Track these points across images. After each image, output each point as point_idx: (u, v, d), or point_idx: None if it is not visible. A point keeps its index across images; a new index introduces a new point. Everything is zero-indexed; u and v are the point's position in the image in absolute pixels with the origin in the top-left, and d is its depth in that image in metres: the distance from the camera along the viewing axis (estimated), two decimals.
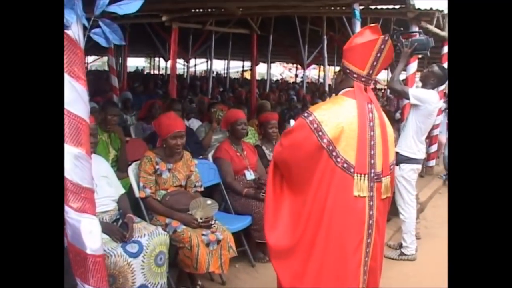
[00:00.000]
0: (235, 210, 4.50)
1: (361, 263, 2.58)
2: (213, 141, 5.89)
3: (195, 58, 23.36)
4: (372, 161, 2.56)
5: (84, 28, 2.21)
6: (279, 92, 13.48)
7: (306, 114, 2.57)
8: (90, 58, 29.62)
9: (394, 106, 8.85)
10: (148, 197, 3.73)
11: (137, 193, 3.75)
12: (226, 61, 21.72)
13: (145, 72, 28.44)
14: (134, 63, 34.13)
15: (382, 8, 6.36)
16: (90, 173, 2.22)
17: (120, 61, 17.76)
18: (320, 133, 2.48)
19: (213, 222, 3.72)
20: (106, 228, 3.23)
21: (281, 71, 32.78)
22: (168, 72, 23.24)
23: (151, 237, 3.33)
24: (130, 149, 5.10)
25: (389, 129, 2.72)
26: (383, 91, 18.16)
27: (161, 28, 12.48)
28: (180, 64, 21.12)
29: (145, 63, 35.36)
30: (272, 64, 25.62)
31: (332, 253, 2.55)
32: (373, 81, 2.73)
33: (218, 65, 28.23)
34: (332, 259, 2.55)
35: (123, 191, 3.65)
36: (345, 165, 2.50)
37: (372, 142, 2.57)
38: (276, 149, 2.75)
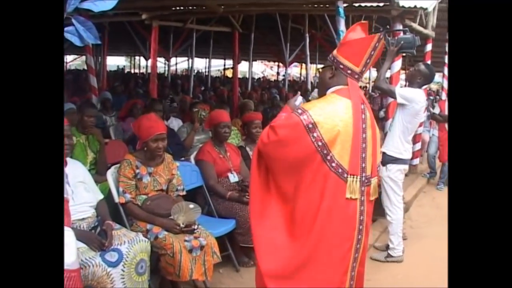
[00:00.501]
0: (219, 214, 4.38)
1: (349, 269, 2.50)
2: (195, 141, 5.75)
3: (176, 56, 23.19)
4: (363, 165, 2.47)
5: None
6: (261, 90, 13.35)
7: (299, 111, 2.42)
8: (69, 57, 29.26)
9: (378, 104, 8.82)
10: (128, 202, 3.58)
11: (116, 199, 3.60)
12: (208, 60, 21.54)
13: (125, 71, 28.15)
14: (115, 62, 33.81)
15: (366, 6, 6.27)
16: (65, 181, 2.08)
17: (99, 60, 17.50)
18: (315, 135, 2.35)
19: (196, 227, 3.59)
20: (84, 236, 3.08)
21: (262, 69, 32.71)
22: (149, 71, 23.08)
23: (132, 244, 3.19)
24: (110, 151, 4.94)
25: (377, 129, 2.65)
26: (365, 89, 18.16)
27: (141, 26, 12.30)
28: (161, 62, 20.96)
29: (126, 62, 34.99)
30: (253, 62, 25.57)
31: (321, 260, 2.46)
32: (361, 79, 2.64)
33: (200, 64, 28.07)
34: (320, 266, 2.46)
35: (101, 196, 3.50)
36: (340, 170, 2.39)
37: (364, 145, 2.47)
38: (262, 139, 2.55)
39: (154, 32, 7.69)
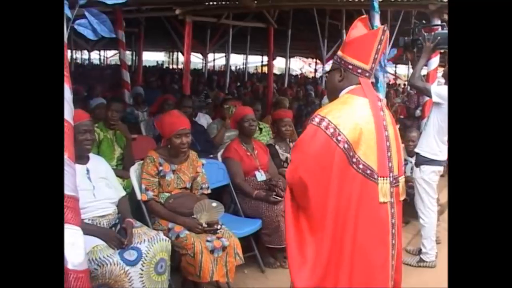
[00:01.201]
0: (245, 213, 4.28)
1: (389, 278, 2.34)
2: (225, 138, 5.66)
3: (213, 52, 23.22)
4: (390, 164, 2.31)
5: (68, 19, 2.00)
6: (297, 87, 13.19)
7: (317, 120, 2.23)
8: (109, 53, 29.78)
9: (415, 102, 8.55)
10: (150, 200, 3.52)
11: (139, 196, 3.55)
12: (245, 56, 21.46)
13: (164, 67, 28.41)
14: (154, 57, 34.23)
15: (402, 0, 6.05)
16: (73, 179, 2.01)
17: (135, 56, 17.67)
18: (338, 138, 2.17)
19: (219, 226, 3.50)
20: (103, 233, 3.04)
21: (301, 66, 32.46)
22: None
23: (152, 243, 3.12)
24: (138, 147, 4.91)
25: (396, 126, 2.50)
26: (403, 86, 17.76)
27: (178, 22, 12.28)
28: (198, 58, 21.00)
29: (165, 57, 35.31)
30: (291, 59, 25.42)
31: (360, 271, 2.26)
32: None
33: (238, 60, 28.06)
34: (360, 278, 2.27)
35: (123, 193, 3.45)
36: (368, 171, 2.22)
37: (388, 143, 2.31)
38: (289, 169, 2.37)
39: (187, 27, 7.63)
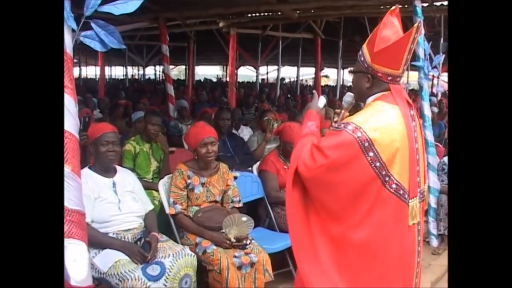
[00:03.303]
0: (280, 227, 4.15)
1: None
2: (265, 151, 5.56)
3: (266, 65, 23.23)
4: (418, 179, 2.13)
5: (73, 31, 1.97)
6: None
7: (350, 128, 2.02)
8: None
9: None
10: (179, 213, 3.46)
11: (167, 209, 3.50)
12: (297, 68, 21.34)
13: (219, 81, 28.69)
14: (211, 72, 34.72)
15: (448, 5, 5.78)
16: (78, 193, 1.96)
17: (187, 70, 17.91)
18: (371, 155, 1.98)
19: (248, 242, 3.40)
20: (126, 247, 3.01)
21: None
22: (239, 79, 23.35)
23: (176, 258, 3.06)
24: (176, 160, 4.87)
25: (422, 133, 2.29)
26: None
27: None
28: (252, 71, 21.05)
29: (220, 71, 35.69)
30: (345, 70, 25.07)
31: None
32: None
33: (291, 72, 27.99)
34: None
35: (151, 207, 3.40)
36: (401, 191, 2.04)
37: (417, 156, 2.13)
38: (306, 164, 2.10)
39: (232, 40, 7.65)
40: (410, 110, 2.16)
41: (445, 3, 5.72)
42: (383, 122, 2.05)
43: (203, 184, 3.56)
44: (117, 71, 32.33)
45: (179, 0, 6.84)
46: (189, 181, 3.51)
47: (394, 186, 2.02)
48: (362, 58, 2.17)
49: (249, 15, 7.38)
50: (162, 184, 3.62)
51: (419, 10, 4.69)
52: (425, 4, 4.91)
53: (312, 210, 2.20)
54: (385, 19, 2.12)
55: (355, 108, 2.40)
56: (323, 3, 5.93)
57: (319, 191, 2.15)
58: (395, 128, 2.05)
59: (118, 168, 3.35)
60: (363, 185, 2.02)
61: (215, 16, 7.12)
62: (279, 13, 7.02)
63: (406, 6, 5.69)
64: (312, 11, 6.68)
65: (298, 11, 6.43)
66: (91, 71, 28.83)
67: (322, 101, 2.43)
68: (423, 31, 4.46)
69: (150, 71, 29.43)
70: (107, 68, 30.61)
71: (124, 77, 23.64)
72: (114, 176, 3.25)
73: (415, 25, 2.06)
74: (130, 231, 3.14)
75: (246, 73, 27.23)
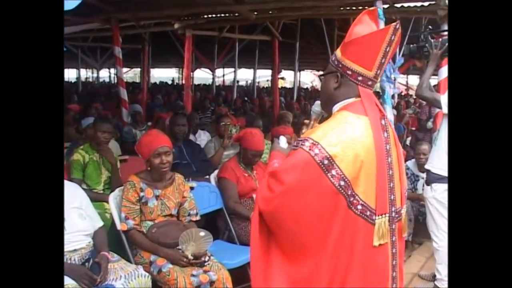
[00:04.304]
0: (241, 240, 3.93)
1: None
2: (224, 157, 5.33)
3: (223, 67, 23.01)
4: (392, 197, 1.89)
5: None
6: (305, 100, 12.90)
7: (307, 144, 1.78)
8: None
9: (426, 114, 8.13)
10: (131, 229, 3.20)
11: (118, 225, 3.23)
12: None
13: (174, 83, 28.28)
14: (168, 74, 34.16)
15: (409, 6, 5.71)
16: None
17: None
18: (333, 173, 1.74)
19: (207, 258, 3.16)
20: (72, 270, 2.73)
21: (312, 79, 32.15)
22: (196, 82, 23.04)
23: (129, 280, 2.82)
24: (131, 169, 4.58)
25: (400, 146, 2.04)
26: (415, 97, 17.34)
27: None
28: (208, 73, 20.81)
29: (177, 74, 35.20)
30: (302, 72, 25.14)
31: None
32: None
33: (248, 74, 27.81)
34: None
35: (100, 224, 3.13)
36: (368, 212, 1.80)
37: (391, 172, 1.89)
38: (264, 196, 1.86)
39: (187, 42, 7.40)
40: (382, 119, 1.92)
41: (406, 4, 5.65)
42: (345, 135, 1.81)
43: (157, 197, 3.31)
44: (70, 74, 31.37)
45: (133, 1, 6.57)
46: (142, 194, 3.26)
47: (359, 207, 1.79)
48: (333, 58, 1.95)
49: (205, 16, 7.14)
50: (113, 198, 3.35)
51: (380, 11, 4.57)
52: (386, 6, 4.75)
53: (276, 252, 1.92)
54: (360, 16, 1.90)
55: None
56: (281, 4, 5.77)
57: (283, 224, 1.86)
58: (359, 140, 1.81)
59: (64, 182, 3.06)
60: (326, 208, 1.78)
61: (170, 18, 6.87)
62: (236, 14, 6.81)
63: (366, 7, 5.57)
64: (270, 12, 6.50)
65: (255, 12, 6.24)
66: None
67: (283, 141, 2.20)
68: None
69: (105, 74, 28.77)
70: None
71: (77, 79, 22.98)
72: None
73: (392, 24, 1.85)
74: (77, 252, 2.86)
75: (202, 75, 26.94)
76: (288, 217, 1.81)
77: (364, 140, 1.81)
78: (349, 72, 1.88)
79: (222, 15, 7.12)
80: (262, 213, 1.86)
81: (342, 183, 1.74)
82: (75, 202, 3.01)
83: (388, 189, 1.87)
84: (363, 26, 1.88)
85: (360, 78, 1.88)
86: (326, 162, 1.74)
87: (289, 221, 1.81)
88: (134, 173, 3.39)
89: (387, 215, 1.85)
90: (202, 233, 3.18)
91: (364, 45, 1.85)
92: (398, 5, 5.58)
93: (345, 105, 1.91)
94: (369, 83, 1.90)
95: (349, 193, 1.76)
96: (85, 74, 29.84)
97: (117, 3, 6.74)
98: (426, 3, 5.48)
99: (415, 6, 5.75)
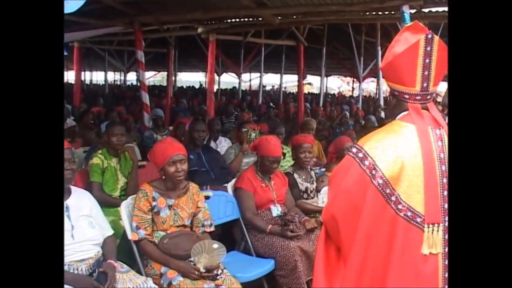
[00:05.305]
0: (257, 252, 3.81)
1: None
2: (243, 165, 5.22)
3: (249, 72, 22.94)
4: (447, 205, 1.87)
5: None
6: (331, 106, 12.72)
7: (354, 150, 1.96)
8: (147, 74, 29.95)
9: None
10: (142, 239, 3.10)
11: (129, 235, 3.14)
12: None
13: (202, 87, 28.37)
14: (196, 78, 34.34)
15: (437, 11, 5.51)
16: None
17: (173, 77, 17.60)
18: (373, 172, 1.86)
19: (219, 272, 3.05)
20: (77, 281, 2.65)
21: (339, 84, 31.95)
22: (222, 86, 23.04)
23: None
24: (147, 175, 4.51)
25: None
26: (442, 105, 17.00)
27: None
28: (235, 78, 20.77)
29: (204, 78, 35.31)
30: (329, 78, 24.95)
31: None
32: (432, 96, 2.04)
33: (275, 79, 27.73)
34: None
35: (110, 232, 3.04)
36: (409, 213, 1.84)
37: (445, 180, 1.88)
38: (324, 208, 2.09)
39: (211, 46, 7.32)
40: (437, 129, 1.95)
41: (434, 9, 5.45)
42: (386, 138, 1.94)
43: (170, 207, 3.21)
44: (98, 76, 31.73)
45: (155, 4, 6.52)
46: (154, 203, 3.16)
47: (401, 207, 1.85)
48: None
49: (229, 20, 7.05)
50: (125, 206, 3.26)
51: (407, 16, 4.43)
52: (413, 11, 4.58)
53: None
54: (398, 35, 1.96)
55: None
56: (305, 9, 5.64)
57: (335, 230, 2.02)
58: (402, 145, 1.90)
59: (73, 188, 2.99)
60: (368, 206, 1.87)
61: (192, 21, 6.81)
62: (260, 19, 6.71)
63: (393, 12, 5.41)
64: (294, 17, 6.38)
65: (279, 17, 6.13)
66: (70, 76, 28.32)
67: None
68: None
69: (132, 77, 29.04)
70: (87, 73, 30.13)
71: (104, 82, 23.18)
72: (67, 199, 2.88)
73: (422, 36, 1.85)
74: (85, 262, 2.77)
75: (229, 79, 26.97)
76: (339, 217, 1.95)
77: (406, 144, 1.90)
78: (396, 93, 2.01)
79: (245, 19, 7.02)
80: (325, 224, 2.08)
81: (380, 181, 1.84)
82: (85, 209, 2.93)
83: (441, 198, 1.88)
84: (399, 45, 1.92)
85: (406, 96, 1.97)
86: (367, 163, 1.88)
87: (340, 221, 1.95)
88: (147, 182, 3.29)
89: (439, 225, 1.85)
90: (215, 245, 3.07)
91: (397, 66, 1.93)
92: (426, 10, 5.39)
93: (400, 117, 2.01)
94: (418, 97, 1.97)
95: (387, 191, 1.84)
96: (113, 76, 30.14)
97: (139, 6, 6.70)
98: None
99: (444, 11, 5.56)
